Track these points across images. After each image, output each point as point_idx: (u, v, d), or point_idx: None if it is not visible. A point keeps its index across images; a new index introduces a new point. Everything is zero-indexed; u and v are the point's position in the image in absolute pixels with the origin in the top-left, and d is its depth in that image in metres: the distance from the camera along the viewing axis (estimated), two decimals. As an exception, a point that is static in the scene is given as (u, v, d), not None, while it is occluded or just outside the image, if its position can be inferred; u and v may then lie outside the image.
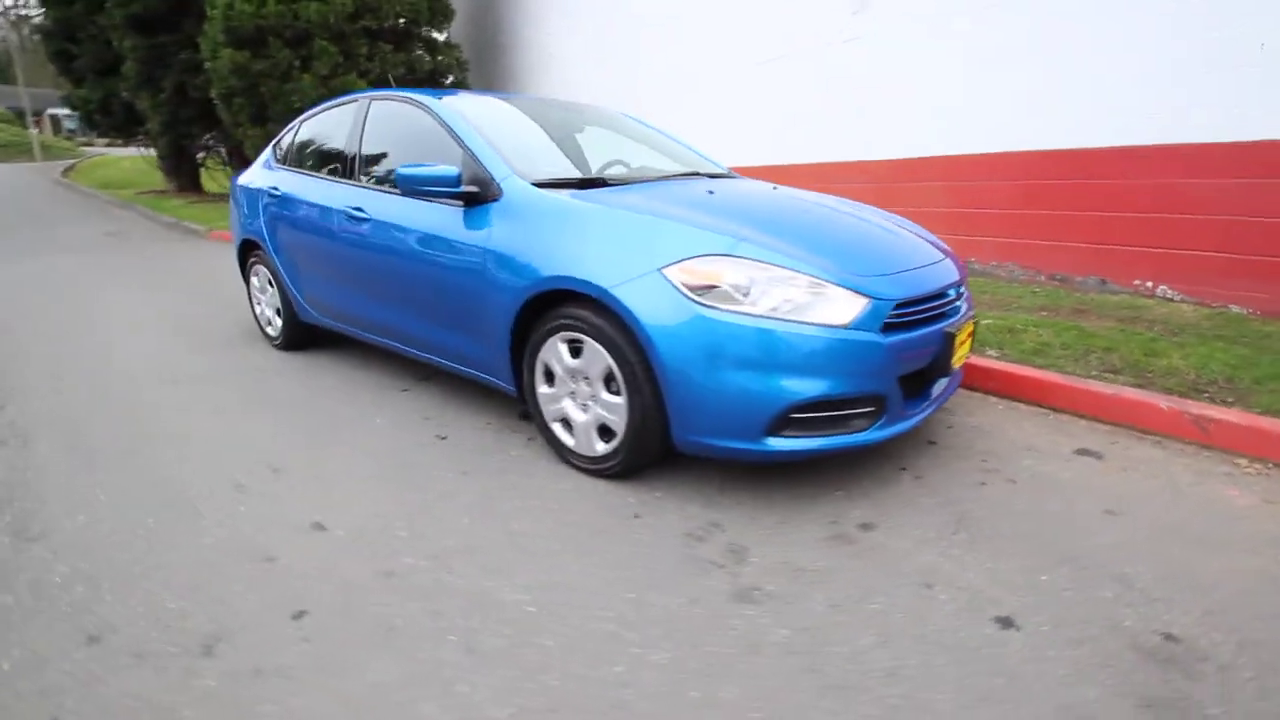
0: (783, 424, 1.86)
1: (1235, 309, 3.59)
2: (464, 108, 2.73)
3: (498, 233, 2.32)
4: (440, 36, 11.20)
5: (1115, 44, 4.01)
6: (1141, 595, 1.59)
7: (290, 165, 3.53)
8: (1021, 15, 4.45)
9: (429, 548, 1.85)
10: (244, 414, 2.87)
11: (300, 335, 3.75)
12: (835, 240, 2.16)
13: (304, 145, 3.52)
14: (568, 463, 2.31)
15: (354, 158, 3.05)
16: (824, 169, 5.86)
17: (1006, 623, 1.51)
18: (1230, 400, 2.59)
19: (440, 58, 11.06)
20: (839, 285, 1.86)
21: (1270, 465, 2.21)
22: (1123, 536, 1.84)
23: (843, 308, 1.84)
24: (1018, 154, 4.58)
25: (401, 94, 2.99)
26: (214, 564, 1.79)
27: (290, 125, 3.69)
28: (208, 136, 13.24)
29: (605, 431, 2.16)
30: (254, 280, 3.88)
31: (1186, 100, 3.72)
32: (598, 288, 1.98)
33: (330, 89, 9.88)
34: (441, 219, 2.55)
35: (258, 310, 3.95)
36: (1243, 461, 2.24)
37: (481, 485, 2.21)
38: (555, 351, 2.20)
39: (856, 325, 1.84)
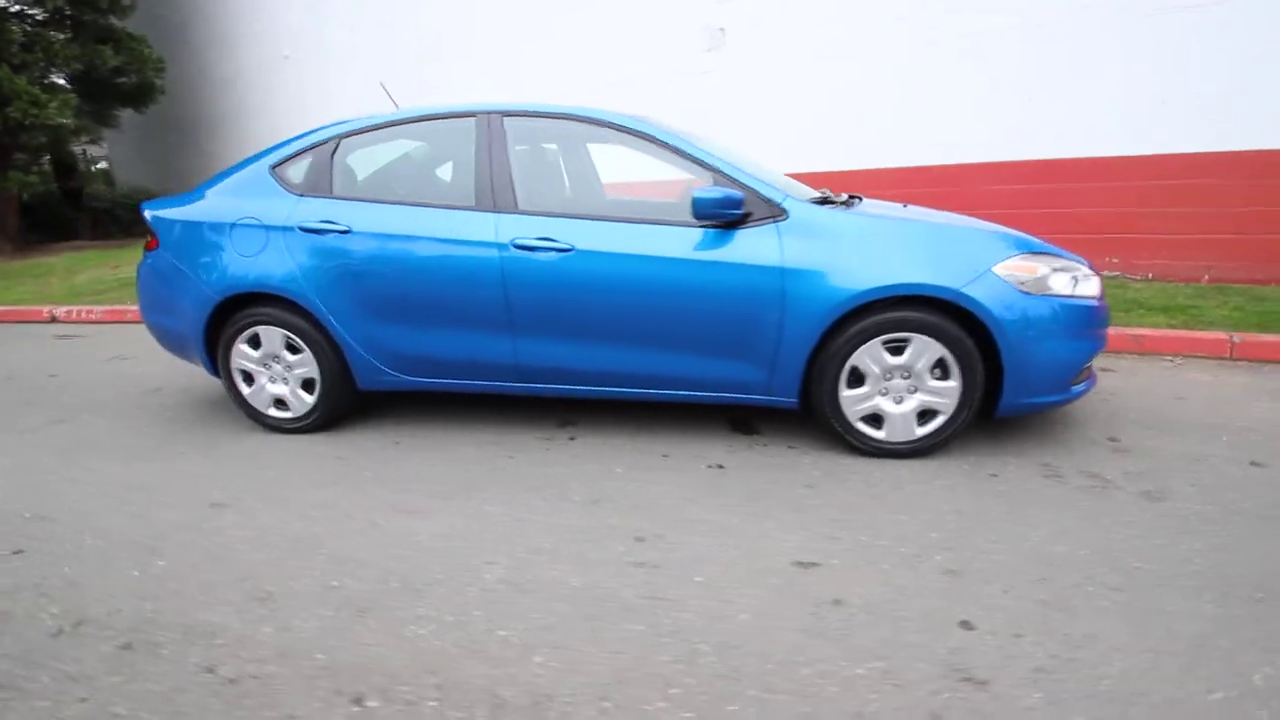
0: (1078, 376, 2.47)
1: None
2: (674, 128, 2.62)
3: (793, 251, 2.39)
4: (119, 24, 8.60)
5: (938, 87, 5.60)
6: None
7: (341, 195, 2.73)
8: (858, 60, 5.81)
9: (973, 576, 1.95)
10: (453, 505, 2.29)
11: (343, 409, 2.94)
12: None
13: (371, 171, 2.77)
14: (867, 455, 2.52)
15: (504, 184, 2.59)
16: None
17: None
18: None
19: (122, 54, 8.51)
20: (1088, 268, 2.54)
21: (1270, 364, 3.54)
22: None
23: (1095, 284, 2.51)
24: (868, 170, 5.97)
25: (566, 112, 2.68)
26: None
27: (304, 143, 2.82)
28: None
29: (923, 416, 2.47)
30: (246, 350, 2.85)
31: (997, 131, 5.45)
32: (950, 290, 2.29)
33: (-35, 87, 6.85)
34: (685, 243, 2.46)
35: (249, 390, 2.91)
36: (1255, 362, 3.59)
37: (853, 495, 2.28)
38: (873, 354, 2.41)
39: (1101, 297, 2.54)
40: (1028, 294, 2.34)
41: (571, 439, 2.83)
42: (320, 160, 2.79)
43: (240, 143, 10.32)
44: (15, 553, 2.08)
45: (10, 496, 2.46)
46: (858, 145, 5.96)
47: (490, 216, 2.59)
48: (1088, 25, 5.00)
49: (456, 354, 2.71)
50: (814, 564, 1.88)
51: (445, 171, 2.81)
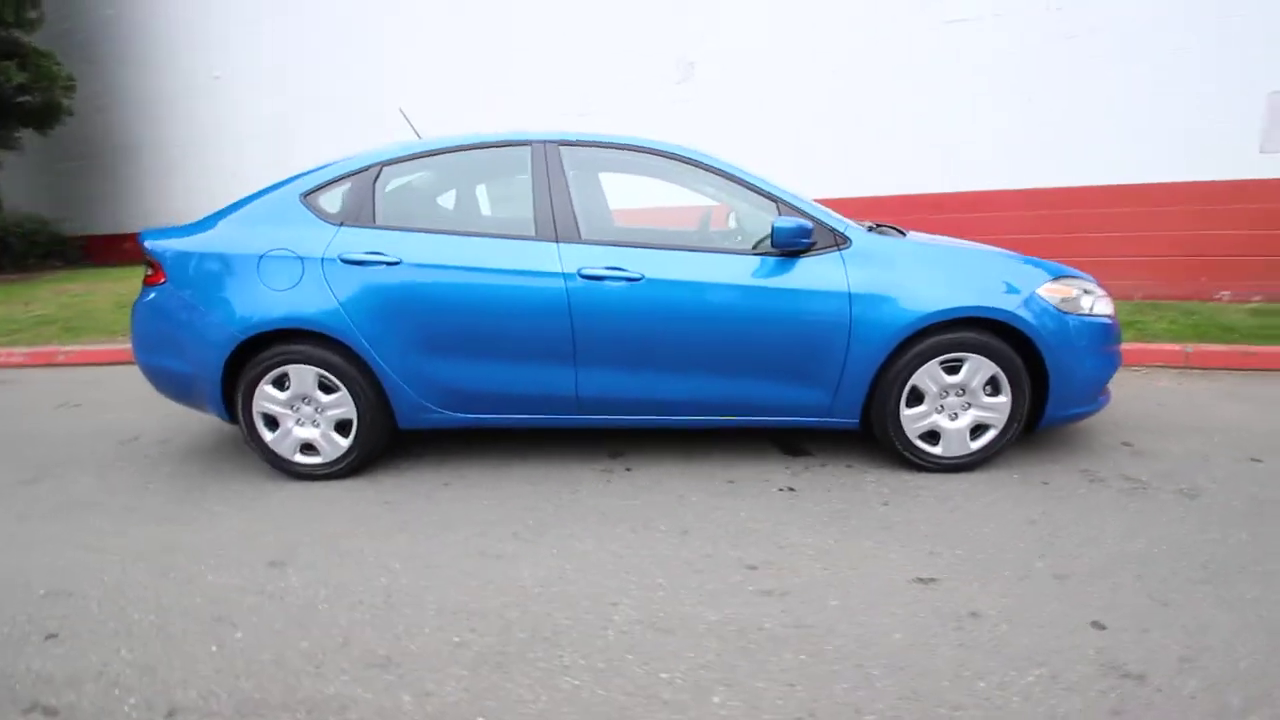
0: (1104, 388, 2.70)
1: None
2: (727, 159, 2.67)
3: (859, 277, 2.49)
4: (25, 38, 7.79)
5: (894, 122, 6.01)
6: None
7: (386, 224, 2.59)
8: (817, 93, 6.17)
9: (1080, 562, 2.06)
10: (540, 546, 2.20)
11: (377, 451, 2.77)
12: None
13: (417, 200, 2.67)
14: (924, 471, 2.64)
15: (565, 213, 2.55)
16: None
17: None
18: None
19: (28, 71, 7.71)
20: (1101, 289, 2.79)
21: (1218, 370, 4.01)
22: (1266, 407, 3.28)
23: (1109, 304, 2.76)
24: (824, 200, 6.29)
25: (624, 142, 2.71)
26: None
27: (339, 171, 2.66)
28: None
29: (975, 431, 2.61)
30: (271, 392, 2.62)
31: (942, 164, 5.90)
32: (1006, 311, 2.46)
33: None
34: (753, 271, 2.53)
35: (273, 435, 2.68)
36: (1206, 369, 4.02)
37: (931, 511, 2.37)
38: (932, 373, 2.54)
39: (1114, 315, 2.79)
40: (1065, 314, 2.55)
41: (628, 469, 2.78)
42: (360, 188, 2.64)
43: (158, 169, 9.57)
44: (48, 637, 1.80)
45: (12, 571, 2.13)
46: (816, 177, 6.29)
47: (552, 246, 2.54)
48: (1025, 72, 5.56)
49: (514, 388, 2.62)
50: (933, 579, 1.94)
51: (498, 201, 2.74)
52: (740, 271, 2.53)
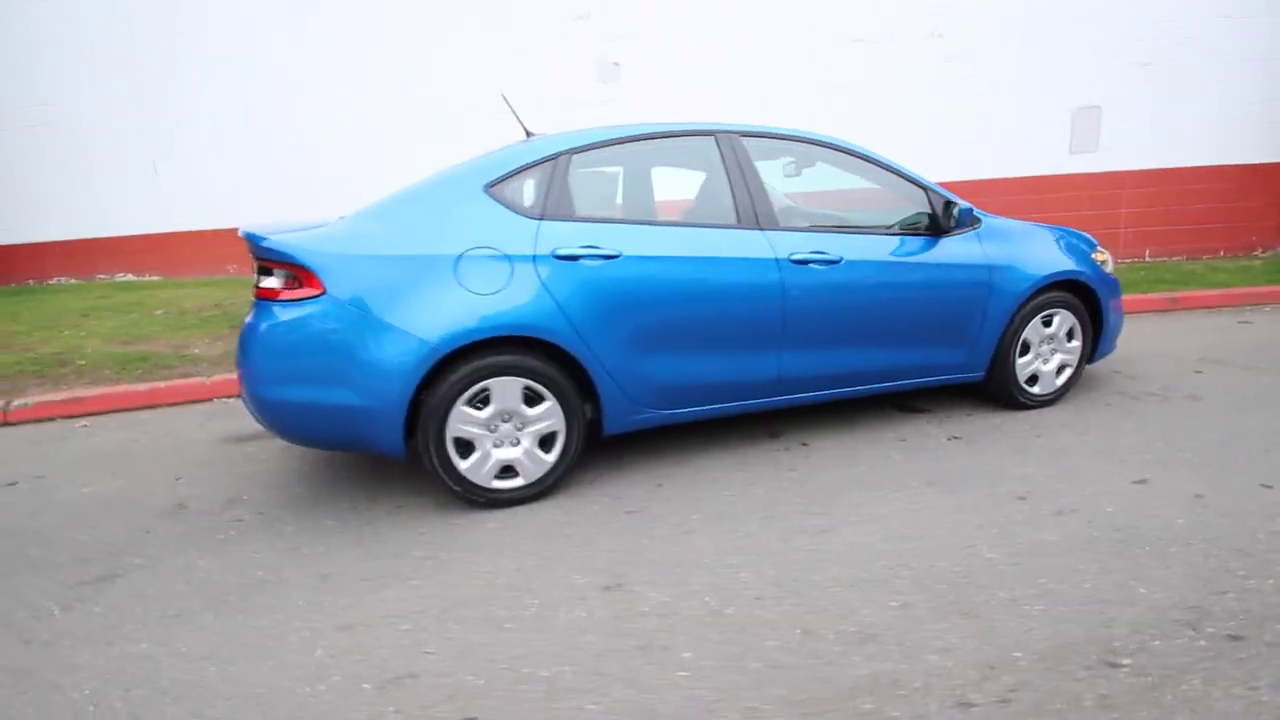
0: (1118, 332, 3.54)
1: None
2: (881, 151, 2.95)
3: (991, 251, 2.97)
4: None
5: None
6: None
7: (588, 216, 2.40)
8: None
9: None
10: (835, 516, 2.33)
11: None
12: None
13: (606, 190, 2.50)
14: (1025, 409, 3.22)
15: (763, 202, 2.61)
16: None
17: None
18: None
19: None
20: (1106, 252, 3.61)
21: (1203, 311, 5.20)
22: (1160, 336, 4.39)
23: (1112, 265, 3.61)
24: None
25: (799, 135, 2.87)
26: None
27: (523, 160, 2.43)
28: None
29: (1059, 371, 3.25)
30: (469, 413, 2.31)
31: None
32: (1084, 273, 3.12)
33: None
34: (917, 249, 2.87)
35: (468, 463, 2.35)
36: (1194, 312, 5.17)
37: (1069, 440, 2.92)
38: (1035, 327, 3.12)
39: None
40: (1106, 274, 3.32)
41: (804, 444, 2.95)
42: (554, 179, 2.41)
43: None
44: None
45: (274, 675, 1.63)
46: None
47: (759, 233, 2.61)
48: (910, 88, 6.67)
49: (725, 376, 2.63)
50: (1144, 480, 2.47)
51: (709, 190, 2.68)
52: (908, 250, 2.86)
